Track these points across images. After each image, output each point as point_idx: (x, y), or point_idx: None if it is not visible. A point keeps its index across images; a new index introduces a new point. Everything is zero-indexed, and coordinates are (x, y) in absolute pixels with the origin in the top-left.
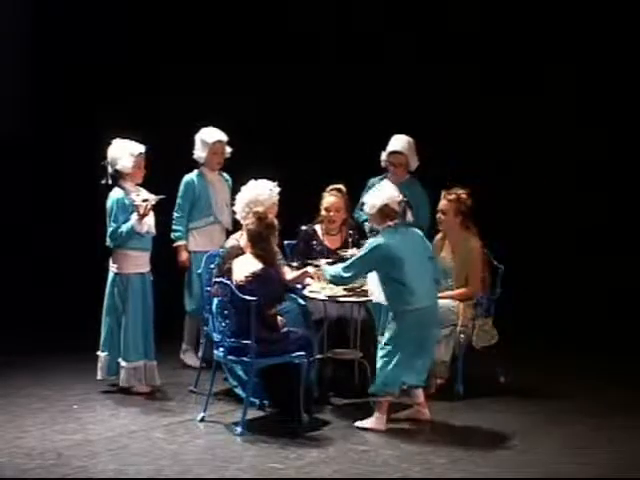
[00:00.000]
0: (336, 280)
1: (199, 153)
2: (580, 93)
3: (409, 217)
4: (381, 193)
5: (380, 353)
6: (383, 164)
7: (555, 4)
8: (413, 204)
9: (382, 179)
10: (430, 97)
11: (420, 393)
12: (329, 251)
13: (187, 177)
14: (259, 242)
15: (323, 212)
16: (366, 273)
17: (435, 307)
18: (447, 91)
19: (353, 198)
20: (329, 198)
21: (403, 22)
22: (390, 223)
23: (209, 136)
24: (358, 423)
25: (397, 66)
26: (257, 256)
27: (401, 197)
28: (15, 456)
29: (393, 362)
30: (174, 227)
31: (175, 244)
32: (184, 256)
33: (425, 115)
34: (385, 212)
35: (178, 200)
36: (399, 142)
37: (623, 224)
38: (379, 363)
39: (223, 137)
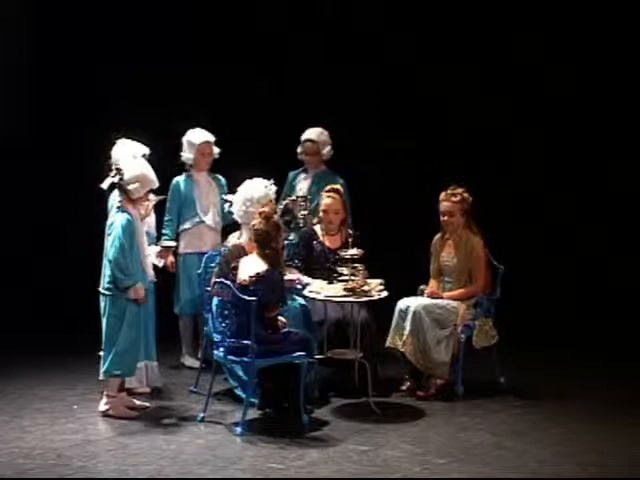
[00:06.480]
0: (119, 265)
1: (186, 155)
2: (579, 93)
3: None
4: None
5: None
6: (299, 156)
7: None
8: None
9: (300, 172)
10: (428, 95)
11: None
12: (329, 251)
13: (174, 180)
14: (266, 242)
15: (321, 214)
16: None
17: None
18: (447, 90)
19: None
20: (326, 200)
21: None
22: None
23: (196, 137)
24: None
25: (393, 66)
26: (263, 256)
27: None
28: (15, 456)
29: None
30: (162, 231)
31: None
32: (169, 260)
33: (422, 113)
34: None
35: (167, 204)
36: (311, 132)
37: (623, 224)
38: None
39: (210, 138)
